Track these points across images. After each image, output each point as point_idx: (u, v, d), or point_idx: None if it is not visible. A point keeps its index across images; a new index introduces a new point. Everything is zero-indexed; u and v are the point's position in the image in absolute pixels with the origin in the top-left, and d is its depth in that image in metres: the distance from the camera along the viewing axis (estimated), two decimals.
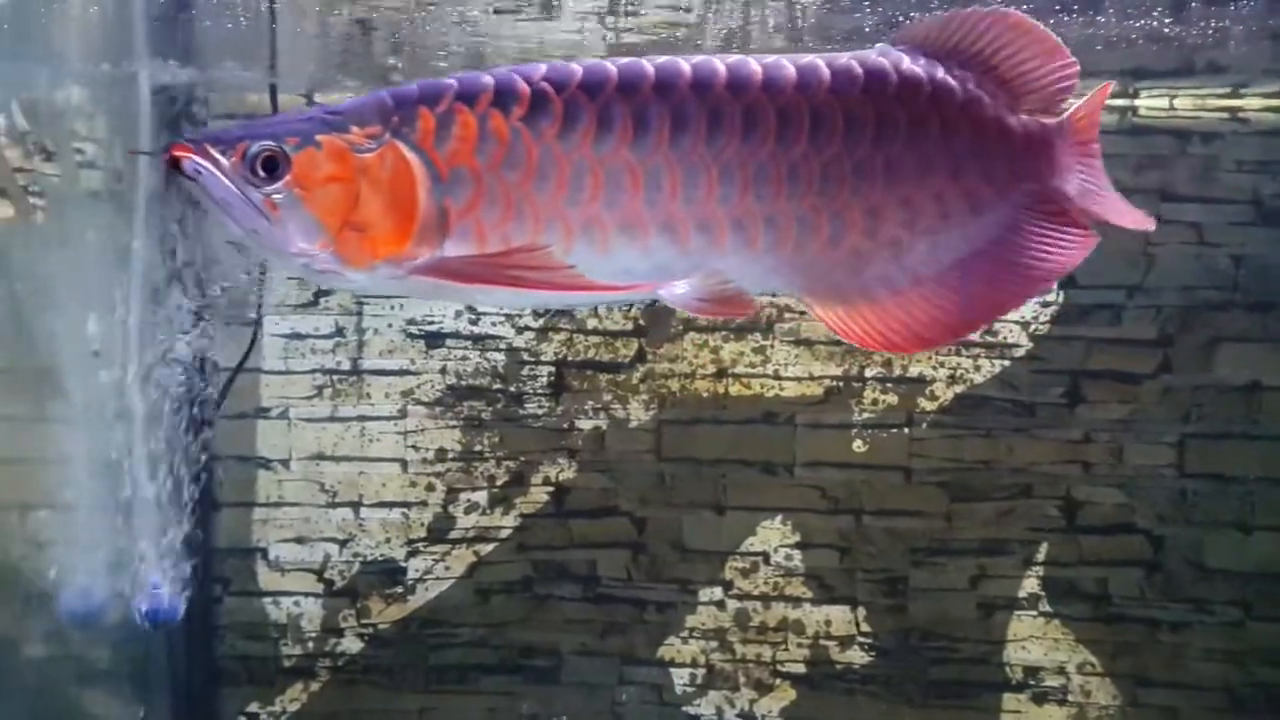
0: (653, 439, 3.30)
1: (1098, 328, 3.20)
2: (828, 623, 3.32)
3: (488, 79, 1.26)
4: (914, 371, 3.24)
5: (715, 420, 3.29)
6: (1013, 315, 3.21)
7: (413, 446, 3.32)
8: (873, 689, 3.32)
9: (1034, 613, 3.28)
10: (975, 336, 3.22)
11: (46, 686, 2.57)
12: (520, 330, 3.28)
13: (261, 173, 1.20)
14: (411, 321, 3.29)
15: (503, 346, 3.29)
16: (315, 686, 3.37)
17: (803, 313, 3.25)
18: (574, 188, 1.24)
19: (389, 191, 1.22)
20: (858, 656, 3.32)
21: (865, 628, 3.31)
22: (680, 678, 3.37)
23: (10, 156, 2.16)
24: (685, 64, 1.28)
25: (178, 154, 1.19)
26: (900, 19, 2.84)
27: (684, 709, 3.37)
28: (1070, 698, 3.29)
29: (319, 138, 1.22)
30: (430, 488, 3.33)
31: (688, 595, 3.34)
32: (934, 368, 3.23)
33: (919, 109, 1.31)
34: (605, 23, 2.77)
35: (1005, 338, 3.22)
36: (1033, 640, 3.29)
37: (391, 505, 3.33)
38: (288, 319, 3.23)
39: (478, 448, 3.32)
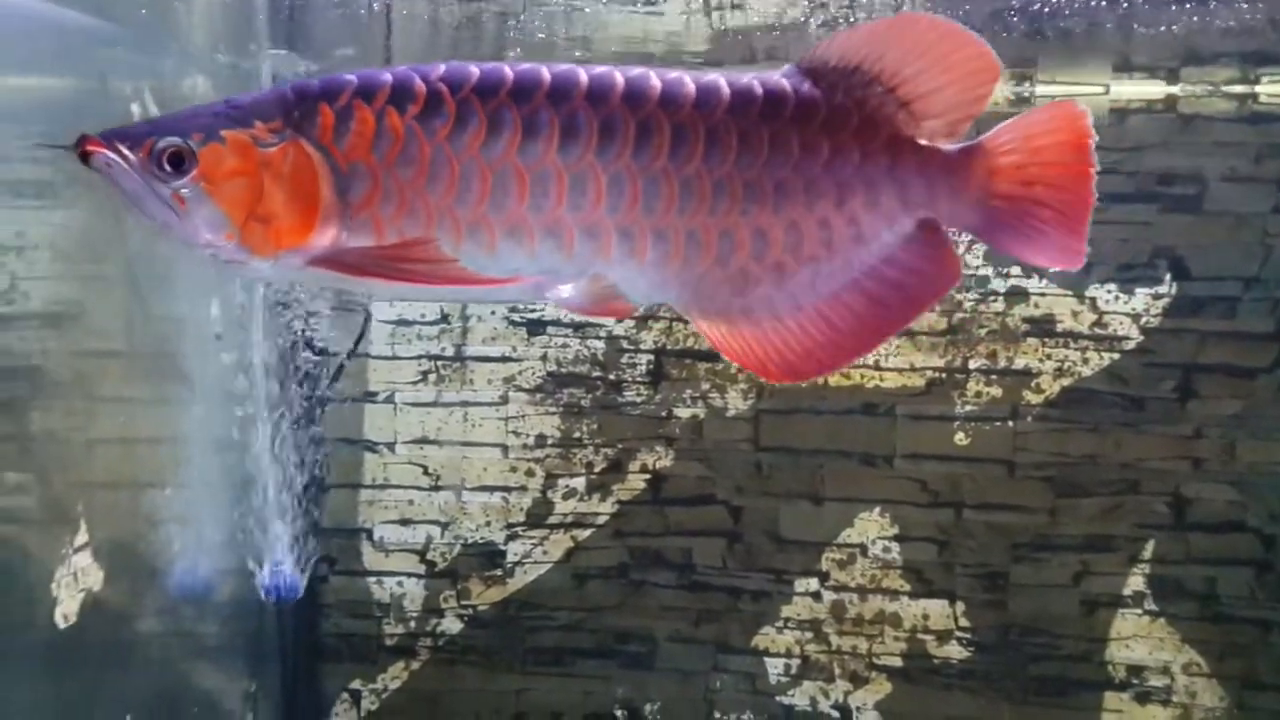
0: (750, 428, 3.30)
1: (1211, 320, 3.11)
2: (925, 617, 3.29)
3: (386, 77, 1.28)
4: (1019, 364, 3.19)
5: (814, 410, 3.27)
6: (1124, 307, 3.13)
7: (513, 432, 3.36)
8: (970, 684, 3.28)
9: (1139, 611, 3.22)
10: (1084, 329, 3.16)
11: (160, 661, 2.65)
12: (619, 319, 3.29)
13: (168, 168, 1.23)
14: (514, 309, 3.32)
15: (603, 334, 3.31)
16: (415, 665, 3.44)
17: None
18: (463, 188, 1.26)
19: (291, 185, 1.25)
20: (956, 651, 3.29)
21: (964, 622, 3.28)
22: (774, 667, 3.36)
23: None
24: (584, 73, 1.29)
25: (89, 149, 1.23)
26: (1008, 7, 2.79)
27: (778, 699, 3.36)
28: (1175, 698, 3.22)
29: (223, 133, 1.25)
30: (530, 473, 3.36)
31: (783, 585, 3.34)
32: (1041, 360, 3.18)
33: (812, 134, 1.29)
34: (711, 13, 2.76)
35: (1115, 330, 3.15)
36: (1137, 639, 3.22)
37: (492, 489, 3.38)
38: (395, 306, 3.28)
39: (577, 434, 3.35)
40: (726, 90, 1.29)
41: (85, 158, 1.23)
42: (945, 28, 1.26)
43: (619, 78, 1.28)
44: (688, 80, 1.29)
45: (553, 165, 1.26)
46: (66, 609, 2.08)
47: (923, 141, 1.30)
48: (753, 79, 1.30)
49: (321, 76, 1.29)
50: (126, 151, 1.22)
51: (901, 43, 1.28)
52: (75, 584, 2.11)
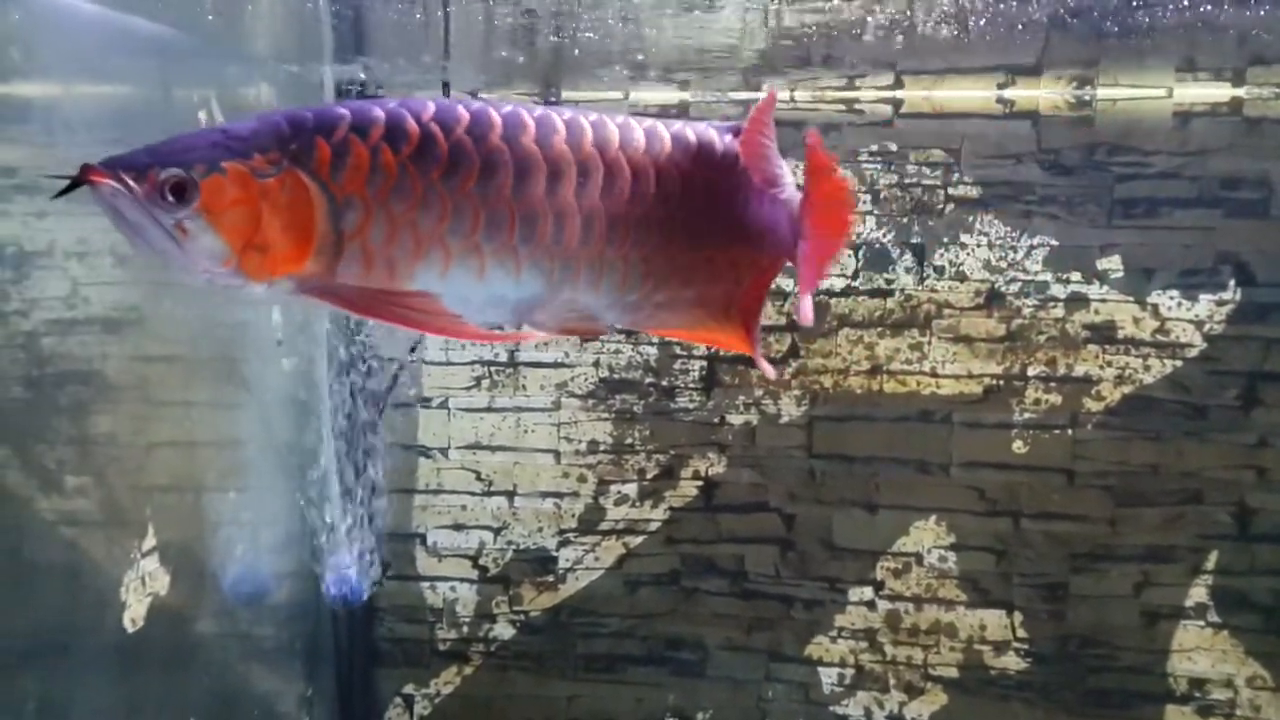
0: (804, 435, 3.27)
1: (1276, 327, 3.05)
2: (982, 627, 3.25)
3: (379, 113, 1.35)
4: (1079, 371, 3.14)
5: (868, 417, 3.24)
6: (1186, 314, 3.08)
7: (566, 438, 3.36)
8: (1028, 696, 3.24)
9: (1201, 623, 3.16)
10: (1146, 335, 3.11)
11: (218, 662, 2.67)
12: None
13: (171, 198, 1.26)
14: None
15: (655, 340, 3.30)
16: (468, 670, 3.45)
17: (963, 309, 3.18)
18: (456, 220, 1.34)
19: (288, 215, 1.29)
20: (1013, 662, 3.24)
21: (1021, 633, 3.23)
22: (828, 677, 3.34)
23: None
24: (559, 120, 1.40)
25: (94, 179, 1.24)
26: (1070, 9, 2.75)
27: (831, 709, 3.34)
28: (1238, 712, 3.16)
29: (224, 164, 1.28)
30: (582, 479, 3.36)
31: (837, 594, 3.31)
32: (1101, 367, 3.13)
33: (728, 181, 1.46)
34: (767, 17, 2.75)
35: (1178, 337, 3.10)
36: (1199, 651, 3.16)
37: (544, 495, 3.38)
38: None
39: (629, 440, 3.34)
40: (666, 137, 1.44)
41: (91, 187, 1.25)
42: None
43: (585, 123, 1.41)
44: (635, 126, 1.43)
45: (539, 203, 1.37)
46: (134, 613, 2.10)
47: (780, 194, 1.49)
48: (684, 126, 1.46)
49: (314, 109, 1.34)
50: (131, 182, 1.25)
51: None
52: (143, 588, 2.13)
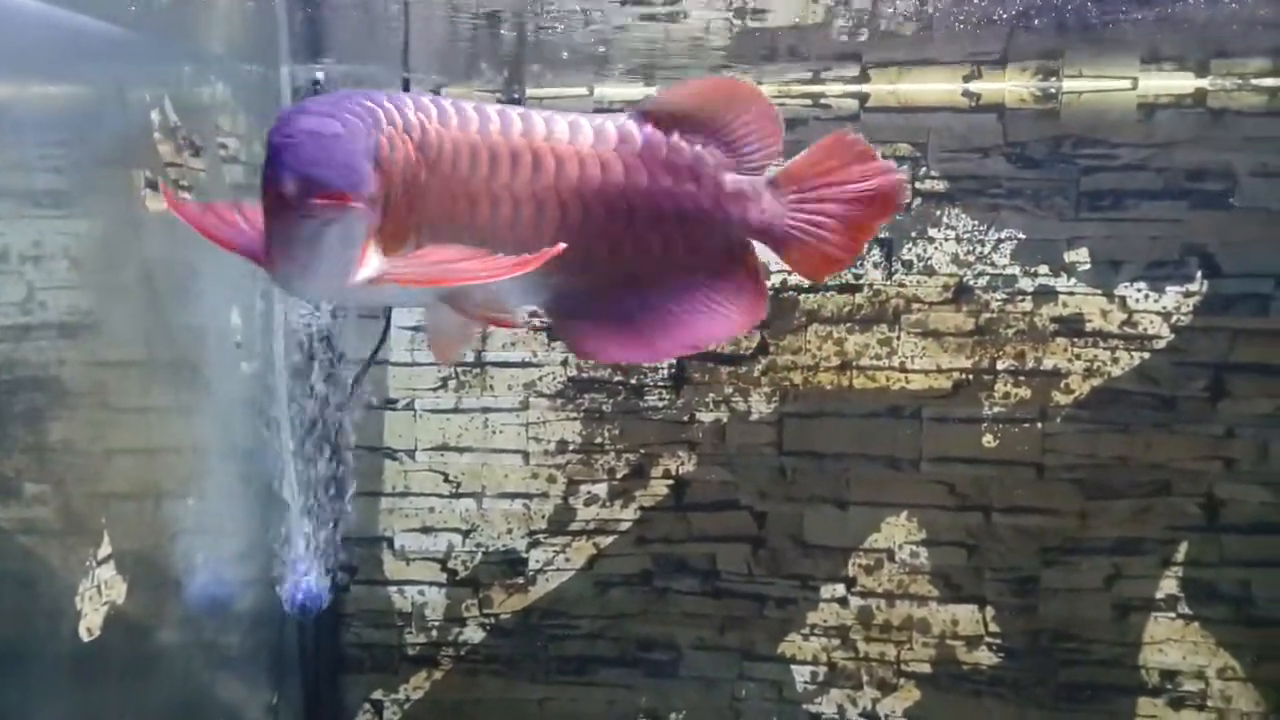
0: (774, 432, 3.26)
1: (1243, 318, 3.06)
2: (954, 622, 3.25)
3: (429, 108, 1.38)
4: (1048, 364, 3.14)
5: (838, 413, 3.23)
6: (1154, 306, 3.09)
7: (534, 438, 3.33)
8: (1001, 691, 3.24)
9: (1172, 614, 3.17)
10: (1114, 328, 3.11)
11: (180, 672, 2.63)
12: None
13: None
14: (535, 314, 3.29)
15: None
16: (438, 675, 3.41)
17: (932, 303, 3.17)
18: (470, 211, 1.39)
19: (405, 200, 1.33)
20: (985, 657, 3.24)
21: (993, 628, 3.23)
22: (801, 675, 3.32)
23: (162, 151, 2.21)
24: (516, 114, 1.45)
25: (326, 200, 1.23)
26: (1032, 7, 2.75)
27: (804, 707, 3.32)
28: (1210, 703, 3.17)
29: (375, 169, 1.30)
30: (551, 479, 3.33)
31: (809, 591, 3.30)
32: (1070, 360, 3.13)
33: (657, 167, 1.50)
34: (732, 13, 2.73)
35: (1145, 329, 3.10)
36: (1170, 643, 3.17)
37: (513, 496, 3.35)
38: (414, 311, 3.25)
39: (598, 440, 3.31)
40: (589, 128, 1.47)
41: (287, 207, 1.24)
42: (748, 89, 1.54)
43: (537, 117, 1.46)
44: (559, 118, 1.47)
45: (525, 191, 1.42)
46: (90, 622, 2.06)
47: (739, 175, 1.53)
48: (605, 120, 1.49)
49: (373, 97, 1.33)
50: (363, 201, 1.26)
51: (717, 98, 1.53)
52: (99, 596, 2.08)
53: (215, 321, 2.59)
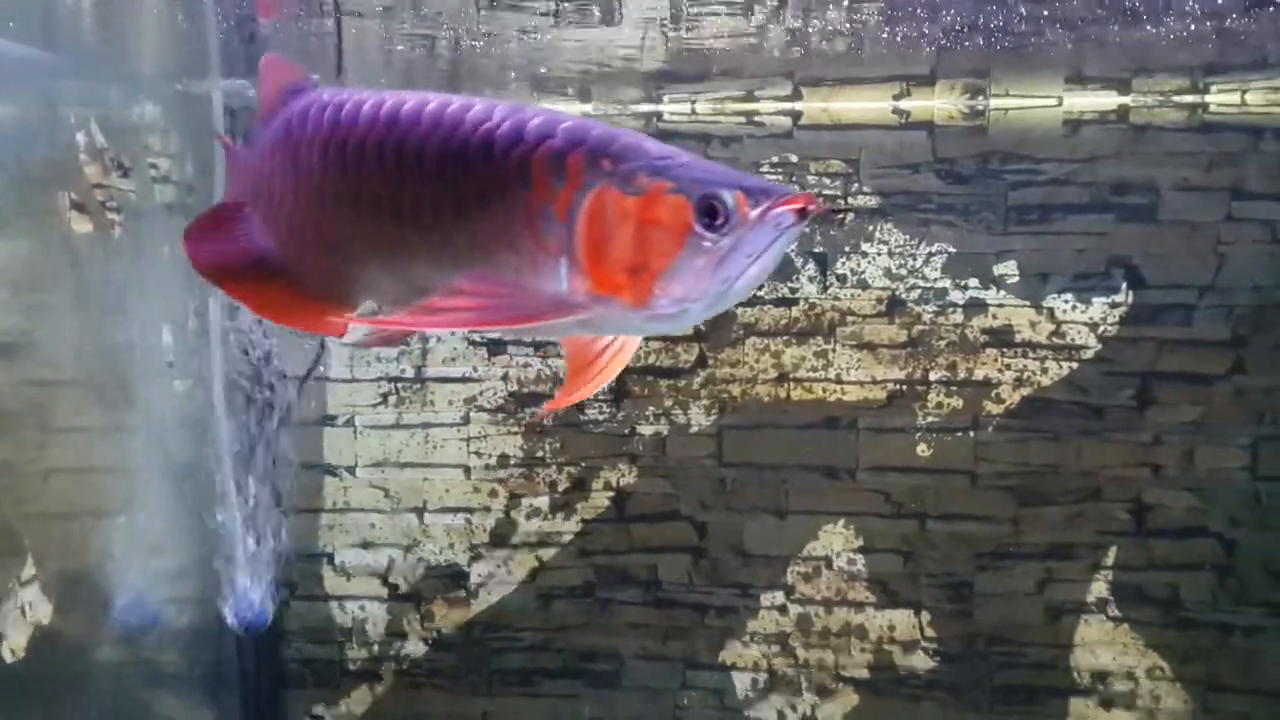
0: (714, 444, 3.29)
1: (1168, 328, 3.15)
2: (891, 628, 3.30)
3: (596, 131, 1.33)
4: (979, 375, 3.20)
5: (776, 425, 3.27)
6: (1081, 317, 3.16)
7: (476, 453, 3.34)
8: (937, 694, 3.29)
9: (1102, 617, 3.24)
10: (1042, 339, 3.18)
11: (119, 691, 2.61)
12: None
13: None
14: (474, 329, 3.31)
15: (563, 353, 3.29)
16: (379, 690, 3.41)
17: (866, 316, 3.22)
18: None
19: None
20: (922, 662, 3.29)
21: (930, 633, 3.28)
22: (742, 682, 3.36)
23: (89, 173, 2.20)
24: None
25: (807, 209, 1.23)
26: (960, 26, 2.82)
27: (745, 713, 3.36)
28: (1139, 703, 3.24)
29: None
30: (493, 493, 3.35)
31: (749, 600, 3.33)
32: (1000, 370, 3.20)
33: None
34: (667, 31, 2.77)
35: (1073, 339, 3.17)
36: (1101, 645, 3.24)
37: (455, 511, 3.36)
38: (353, 329, 3.25)
39: (540, 453, 3.33)
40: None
41: (803, 214, 1.23)
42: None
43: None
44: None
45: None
46: (14, 643, 2.04)
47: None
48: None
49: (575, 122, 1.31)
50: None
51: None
52: (23, 618, 2.07)
53: (147, 341, 2.58)
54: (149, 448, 2.66)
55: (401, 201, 1.36)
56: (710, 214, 1.24)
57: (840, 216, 1.17)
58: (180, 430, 2.75)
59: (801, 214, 1.23)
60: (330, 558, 3.38)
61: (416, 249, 1.36)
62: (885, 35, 2.89)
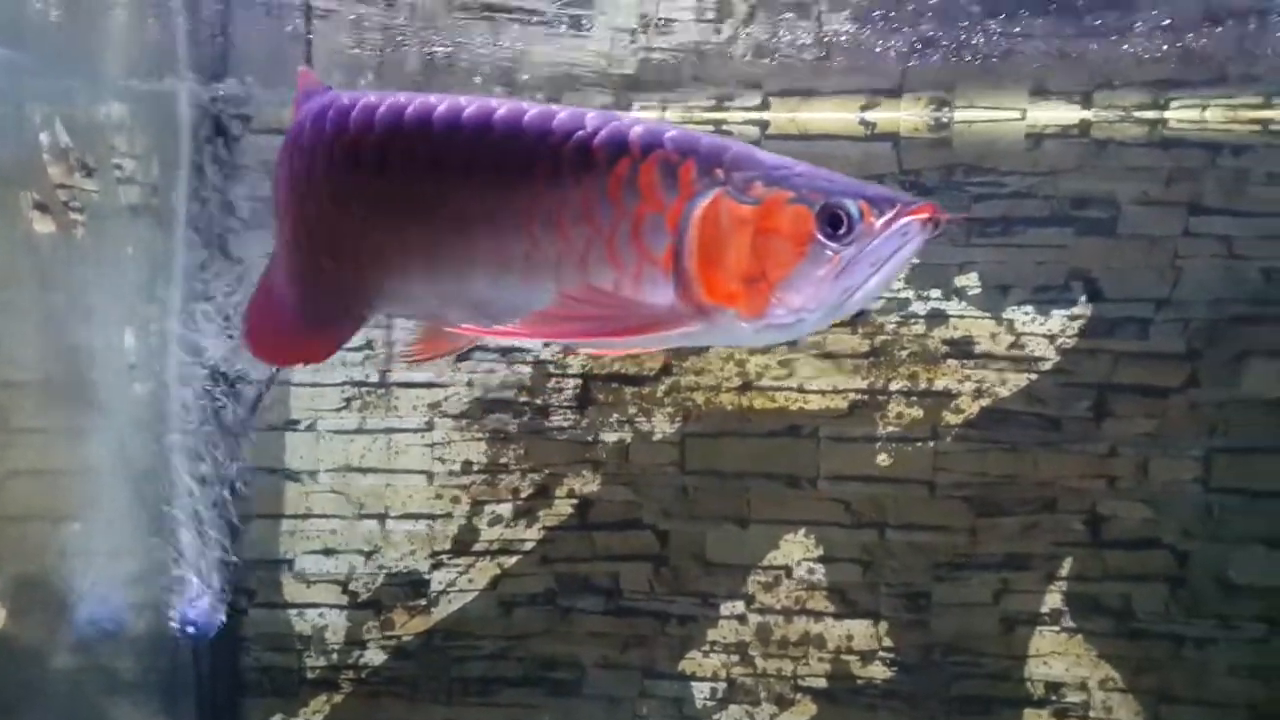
0: (677, 452, 3.30)
1: (1125, 341, 3.19)
2: (850, 637, 3.31)
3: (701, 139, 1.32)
4: (939, 385, 3.23)
5: (739, 433, 3.28)
6: (1040, 329, 3.20)
7: (439, 459, 3.32)
8: (895, 704, 3.31)
9: (1057, 628, 3.27)
10: (1002, 350, 3.22)
11: (75, 697, 2.56)
12: (547, 343, 3.27)
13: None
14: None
15: (529, 359, 3.29)
16: (338, 698, 3.37)
17: (829, 326, 3.24)
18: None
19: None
20: (880, 671, 3.31)
21: (887, 642, 3.31)
22: (701, 691, 3.36)
23: (53, 173, 2.17)
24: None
25: (933, 215, 1.24)
26: (926, 40, 2.84)
27: None
28: (1092, 714, 3.28)
29: None
30: (455, 500, 3.33)
31: (709, 609, 3.34)
32: (960, 381, 3.23)
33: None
34: (636, 40, 2.77)
35: (1032, 351, 3.21)
36: (1055, 656, 3.28)
37: (417, 517, 3.33)
38: None
39: (503, 460, 3.32)
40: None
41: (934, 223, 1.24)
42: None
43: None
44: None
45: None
46: None
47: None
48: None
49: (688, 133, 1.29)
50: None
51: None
52: None
53: (109, 343, 2.54)
54: (109, 450, 2.62)
55: (466, 211, 1.29)
56: (834, 223, 1.23)
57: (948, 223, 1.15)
58: (139, 433, 2.71)
59: (926, 223, 1.23)
60: (290, 564, 3.34)
61: (481, 260, 1.30)
62: (853, 48, 2.92)
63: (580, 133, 1.29)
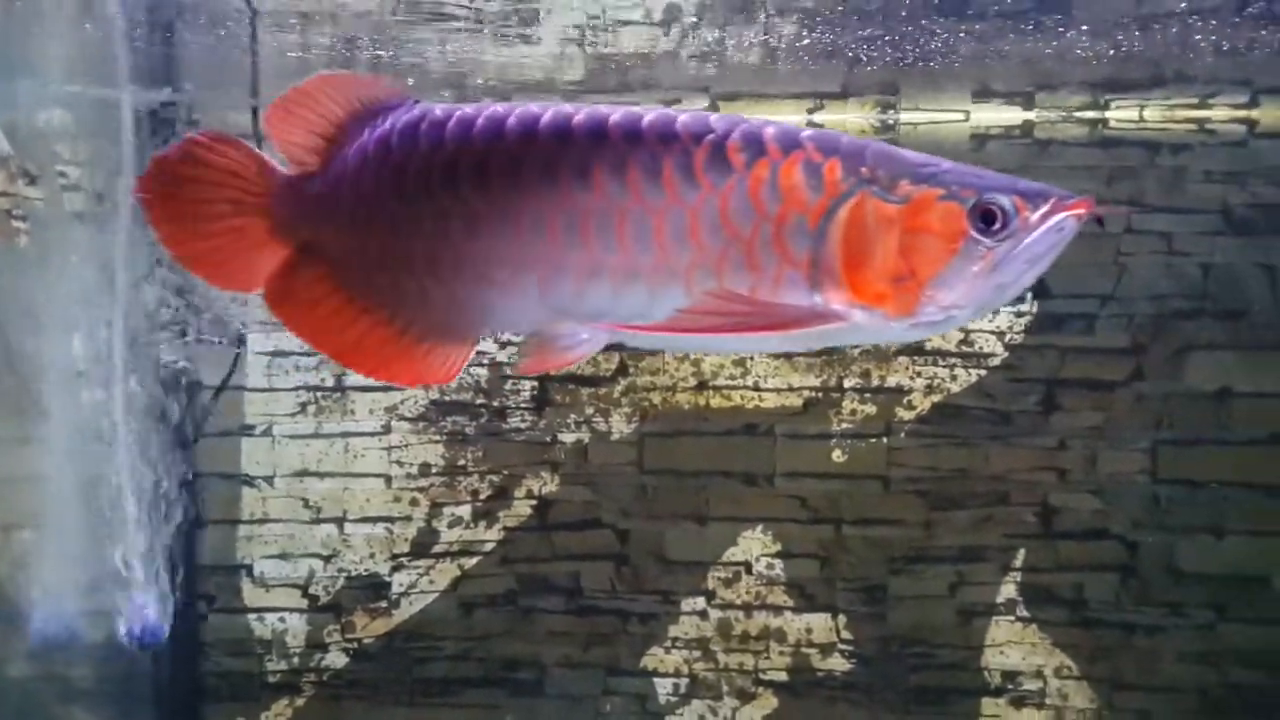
0: (635, 451, 3.33)
1: (1071, 336, 3.25)
2: (809, 631, 3.35)
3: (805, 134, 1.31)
4: (892, 381, 3.28)
5: (696, 432, 3.32)
6: (988, 325, 3.25)
7: (397, 462, 3.34)
8: (854, 696, 3.35)
9: (1011, 618, 3.32)
10: (952, 347, 3.27)
11: (30, 706, 2.56)
12: (503, 345, 3.30)
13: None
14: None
15: (485, 361, 3.31)
16: (300, 702, 3.38)
17: None
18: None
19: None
20: (839, 664, 3.35)
21: (846, 635, 3.35)
22: (663, 688, 3.39)
23: None
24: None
25: (1090, 210, 1.25)
26: (871, 42, 2.89)
27: (667, 718, 3.39)
28: (1048, 701, 3.33)
29: None
30: (414, 502, 3.35)
31: (670, 606, 3.37)
32: (912, 377, 3.28)
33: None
34: (585, 45, 2.80)
35: (981, 347, 3.26)
36: (1011, 645, 3.32)
37: (375, 520, 3.35)
38: (271, 337, 3.24)
39: (461, 462, 3.34)
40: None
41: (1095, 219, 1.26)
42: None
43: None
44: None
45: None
46: None
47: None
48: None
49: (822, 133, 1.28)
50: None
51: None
52: None
53: (56, 349, 2.55)
54: (57, 458, 2.62)
55: (585, 222, 1.25)
56: (987, 219, 1.22)
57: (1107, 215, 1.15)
58: (88, 440, 2.71)
59: (1082, 217, 1.23)
60: (249, 569, 3.35)
61: (607, 272, 1.26)
62: (799, 51, 2.96)
63: (711, 135, 1.26)
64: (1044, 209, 1.23)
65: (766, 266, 1.25)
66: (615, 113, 1.29)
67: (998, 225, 1.23)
